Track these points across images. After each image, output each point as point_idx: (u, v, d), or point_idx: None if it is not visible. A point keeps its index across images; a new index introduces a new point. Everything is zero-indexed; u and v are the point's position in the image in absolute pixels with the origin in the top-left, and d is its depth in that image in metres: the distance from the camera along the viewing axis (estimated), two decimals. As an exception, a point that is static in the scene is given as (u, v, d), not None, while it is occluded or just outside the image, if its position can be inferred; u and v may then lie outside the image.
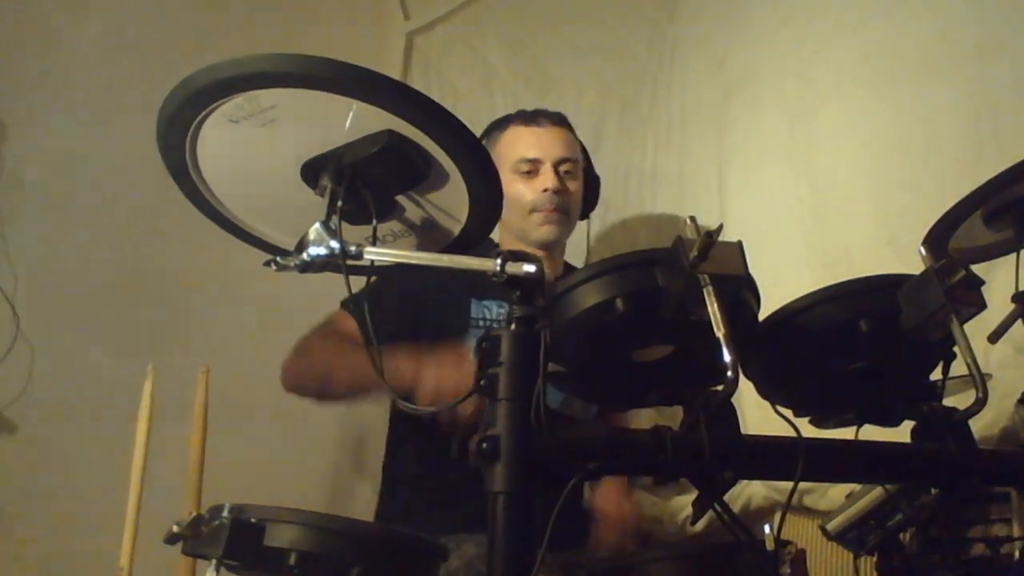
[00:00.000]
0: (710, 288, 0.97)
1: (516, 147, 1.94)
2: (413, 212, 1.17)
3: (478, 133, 1.07)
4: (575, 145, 2.01)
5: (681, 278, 0.98)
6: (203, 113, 1.04)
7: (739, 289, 1.03)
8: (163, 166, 1.12)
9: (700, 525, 1.19)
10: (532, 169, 1.92)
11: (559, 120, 2.00)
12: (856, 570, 1.31)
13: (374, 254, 1.06)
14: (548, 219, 1.91)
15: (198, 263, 2.45)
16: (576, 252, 2.18)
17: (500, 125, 2.00)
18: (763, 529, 1.09)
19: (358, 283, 1.10)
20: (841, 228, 1.93)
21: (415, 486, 1.80)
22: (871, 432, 1.25)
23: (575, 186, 1.97)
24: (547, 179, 1.91)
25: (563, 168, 1.94)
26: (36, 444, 2.22)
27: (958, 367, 1.13)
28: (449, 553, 1.18)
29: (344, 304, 1.87)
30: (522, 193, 1.90)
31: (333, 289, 1.08)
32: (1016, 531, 1.47)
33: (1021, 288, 1.32)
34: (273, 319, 2.62)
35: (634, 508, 1.88)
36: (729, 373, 0.96)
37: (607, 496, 1.89)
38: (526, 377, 0.96)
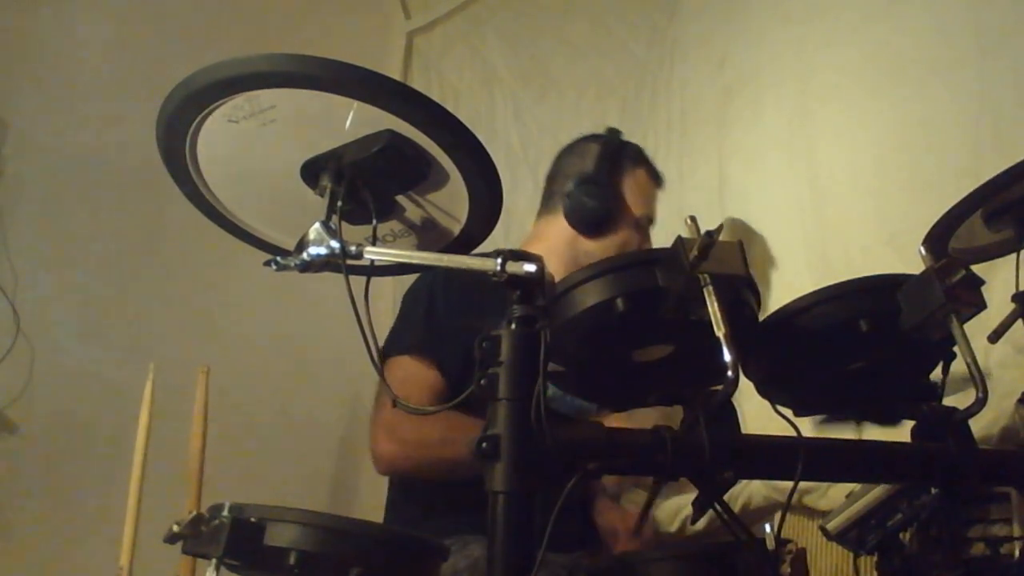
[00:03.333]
0: (710, 288, 0.97)
1: (649, 201, 1.99)
2: (413, 212, 1.17)
3: (478, 133, 1.06)
4: None
5: (681, 278, 0.98)
6: (203, 113, 1.04)
7: (739, 289, 1.03)
8: (163, 166, 1.12)
9: (700, 525, 1.19)
10: (647, 227, 1.99)
11: None
12: (856, 570, 1.31)
13: (374, 254, 1.06)
14: None
15: (198, 263, 2.45)
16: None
17: (637, 157, 2.01)
18: (763, 529, 1.09)
19: (358, 283, 1.10)
20: (841, 228, 1.93)
21: (422, 486, 1.79)
22: (871, 432, 1.25)
23: None
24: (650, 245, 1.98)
25: None
26: (36, 444, 2.22)
27: (958, 367, 1.13)
28: (449, 553, 1.18)
29: (406, 346, 1.73)
30: (633, 244, 1.95)
31: (333, 289, 1.08)
32: (1016, 531, 1.46)
33: (1021, 288, 1.32)
34: (273, 319, 2.63)
35: (635, 516, 1.87)
36: (729, 373, 0.96)
37: (611, 513, 1.89)
38: (526, 377, 0.96)
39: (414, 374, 1.69)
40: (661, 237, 2.31)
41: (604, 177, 1.91)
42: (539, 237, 1.96)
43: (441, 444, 1.61)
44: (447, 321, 1.74)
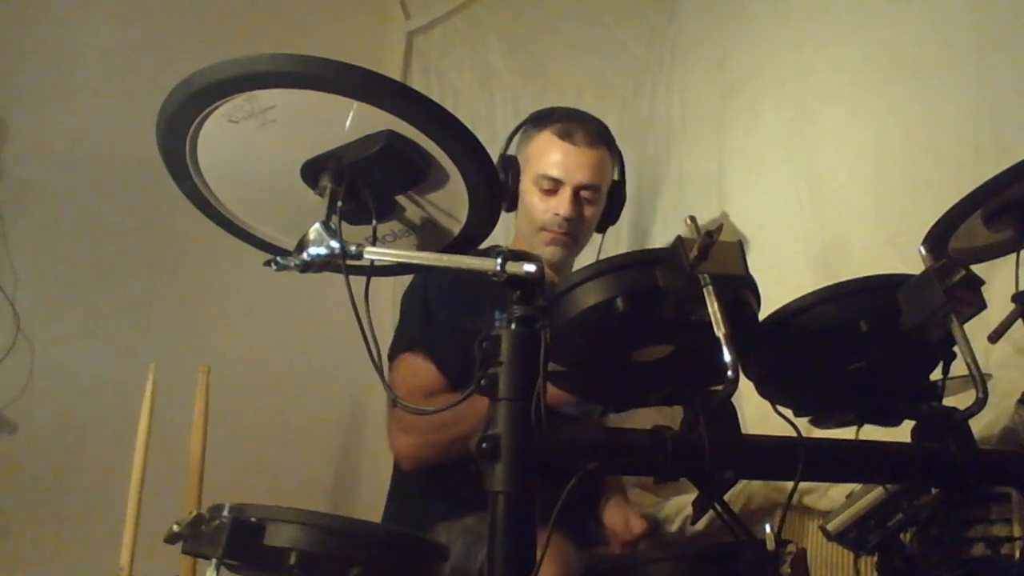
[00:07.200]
0: (710, 288, 0.97)
1: (543, 159, 1.87)
2: (413, 212, 1.17)
3: (478, 133, 1.07)
4: (605, 168, 1.92)
5: (681, 278, 0.98)
6: (203, 113, 1.04)
7: (739, 289, 1.03)
8: (163, 166, 1.12)
9: (700, 525, 1.19)
10: (552, 188, 1.86)
11: (596, 140, 1.90)
12: (856, 570, 1.31)
13: (374, 254, 1.06)
14: (555, 241, 1.86)
15: (199, 263, 2.45)
16: (584, 260, 2.15)
17: (539, 123, 1.92)
18: (763, 529, 1.09)
19: (358, 283, 1.10)
20: (841, 228, 1.93)
21: (425, 475, 1.79)
22: (871, 432, 1.25)
23: (591, 212, 1.90)
24: (563, 204, 1.85)
25: (583, 194, 1.87)
26: (36, 444, 2.22)
27: (958, 367, 1.13)
28: (449, 553, 1.18)
29: (406, 344, 1.77)
30: (536, 208, 1.86)
31: (333, 289, 1.08)
32: (1016, 531, 1.47)
33: (1021, 288, 1.32)
34: (273, 319, 2.63)
35: (643, 525, 1.87)
36: (729, 373, 0.96)
37: (615, 513, 1.89)
38: (526, 377, 0.96)
39: (415, 370, 1.73)
40: (661, 237, 2.32)
41: (507, 150, 1.92)
42: (515, 233, 1.98)
43: (453, 423, 1.54)
44: (443, 317, 1.77)
